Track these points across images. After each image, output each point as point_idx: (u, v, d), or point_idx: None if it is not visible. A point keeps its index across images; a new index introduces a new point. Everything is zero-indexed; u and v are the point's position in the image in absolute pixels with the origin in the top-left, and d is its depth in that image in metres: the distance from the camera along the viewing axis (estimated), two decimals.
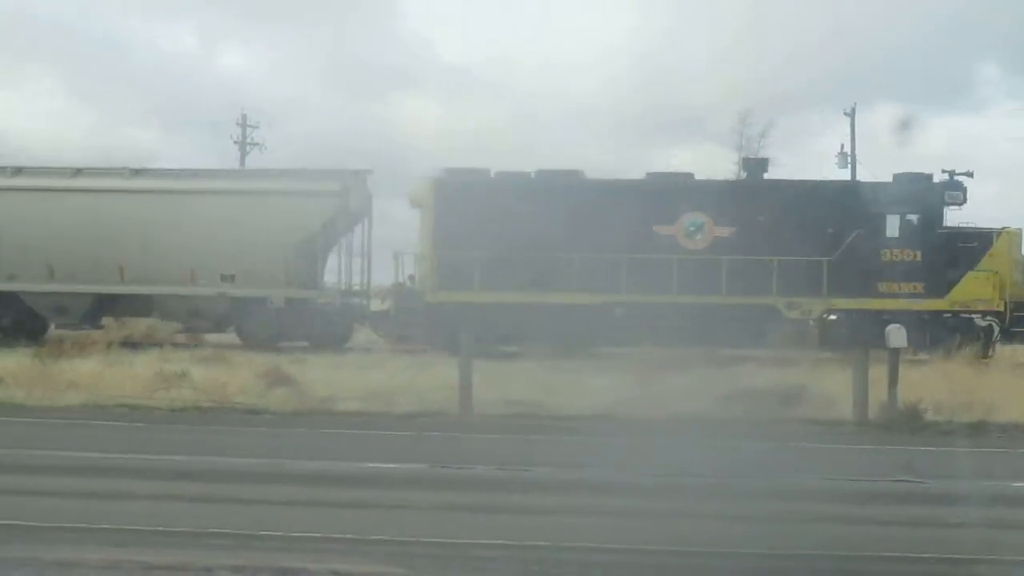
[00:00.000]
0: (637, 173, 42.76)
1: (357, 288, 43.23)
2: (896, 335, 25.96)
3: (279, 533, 13.47)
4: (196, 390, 26.97)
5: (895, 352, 25.17)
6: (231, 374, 29.38)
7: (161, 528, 13.71)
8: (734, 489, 16.39)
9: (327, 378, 28.64)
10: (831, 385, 25.55)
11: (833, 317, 40.40)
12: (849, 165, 66.72)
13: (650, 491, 16.14)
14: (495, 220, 39.74)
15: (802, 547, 13.13)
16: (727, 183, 41.81)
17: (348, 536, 13.41)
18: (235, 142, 77.31)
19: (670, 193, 41.02)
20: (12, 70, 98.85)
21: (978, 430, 22.92)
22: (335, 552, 12.62)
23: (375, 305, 44.15)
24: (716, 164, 70.13)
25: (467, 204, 40.89)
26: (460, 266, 40.37)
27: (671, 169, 42.92)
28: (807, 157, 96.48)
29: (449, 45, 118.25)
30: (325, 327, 40.46)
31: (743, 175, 42.33)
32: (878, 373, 24.55)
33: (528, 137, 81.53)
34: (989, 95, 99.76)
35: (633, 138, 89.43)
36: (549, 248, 39.88)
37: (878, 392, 24.21)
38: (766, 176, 41.81)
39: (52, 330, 43.54)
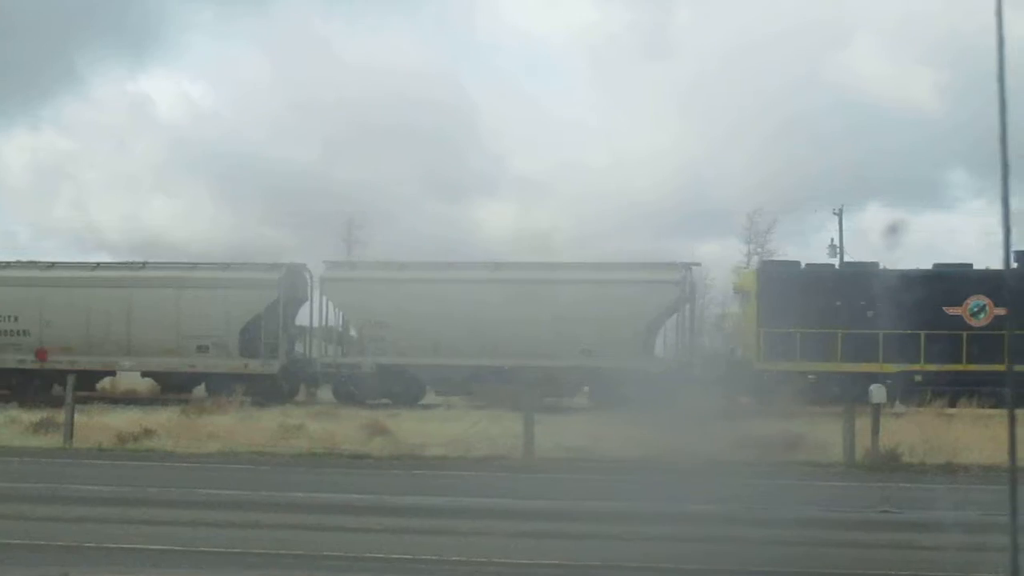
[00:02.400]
0: (919, 264, 42.92)
1: (683, 358, 42.35)
2: (877, 393, 26.01)
3: (380, 555, 13.54)
4: (311, 439, 27.06)
5: (876, 407, 25.16)
6: (338, 426, 29.41)
7: (283, 552, 13.80)
8: (742, 518, 16.37)
9: (417, 429, 28.65)
10: (825, 434, 25.44)
11: None
12: (838, 256, 66.62)
13: (674, 519, 16.13)
14: (807, 302, 40.13)
15: (800, 566, 13.13)
16: (1003, 271, 41.67)
17: (432, 558, 13.47)
18: (344, 240, 77.10)
19: (956, 280, 41.17)
20: (174, 183, 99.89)
21: (946, 469, 22.79)
22: (425, 572, 12.68)
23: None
24: (730, 255, 69.86)
25: (783, 289, 40.88)
26: (781, 340, 40.34)
27: (953, 260, 42.77)
28: (807, 249, 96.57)
29: (520, 158, 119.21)
30: (659, 391, 39.75)
31: (1015, 264, 42.16)
32: (863, 423, 24.51)
33: (589, 229, 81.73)
34: (959, 195, 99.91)
35: (672, 230, 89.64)
36: (854, 326, 40.26)
37: (863, 439, 24.15)
38: None
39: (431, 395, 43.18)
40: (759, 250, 71.38)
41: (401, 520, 16.97)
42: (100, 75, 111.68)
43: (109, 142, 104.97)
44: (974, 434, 25.94)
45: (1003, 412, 5.81)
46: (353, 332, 43.85)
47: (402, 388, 41.33)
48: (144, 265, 44.61)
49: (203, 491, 19.94)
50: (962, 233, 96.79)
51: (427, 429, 28.78)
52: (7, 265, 44.55)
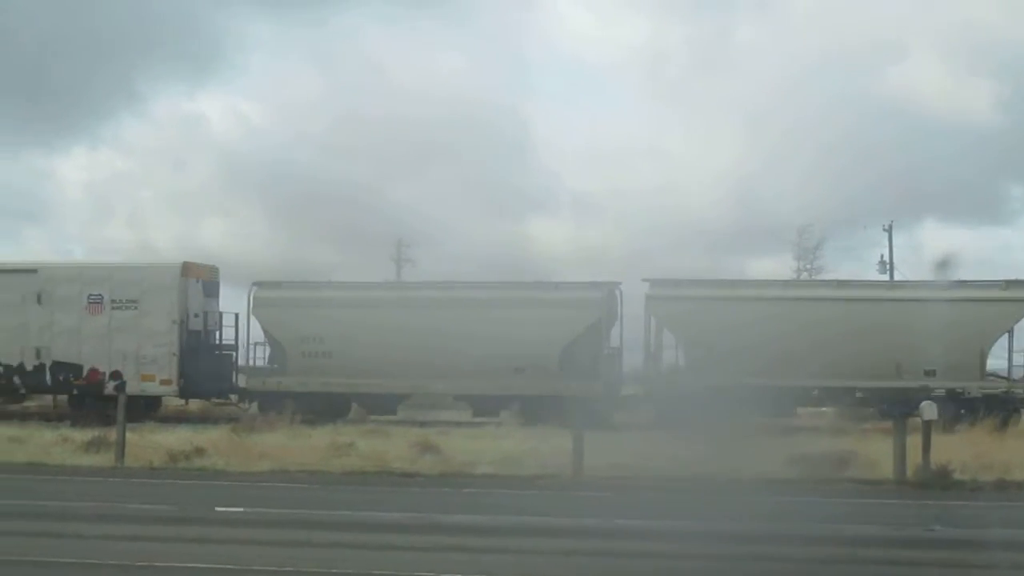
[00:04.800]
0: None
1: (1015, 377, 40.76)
2: (928, 409, 25.82)
3: (430, 574, 13.57)
4: (362, 458, 27.11)
5: (927, 423, 25.01)
6: (389, 444, 29.43)
7: (334, 571, 13.86)
8: (790, 536, 16.33)
9: (466, 447, 28.63)
10: (875, 451, 25.35)
11: None
12: (888, 272, 66.55)
13: (721, 538, 16.08)
14: None
15: None
16: None
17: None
18: (392, 260, 77.20)
19: None
20: (227, 200, 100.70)
21: (997, 487, 22.66)
22: None
23: None
24: (784, 272, 69.47)
25: None
26: None
27: None
28: (861, 264, 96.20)
29: (572, 177, 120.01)
30: (987, 408, 38.22)
31: None
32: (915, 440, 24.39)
33: (640, 246, 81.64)
34: (1017, 209, 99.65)
35: (724, 246, 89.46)
36: None
37: (914, 456, 24.02)
38: None
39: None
40: (808, 267, 71.25)
41: (450, 538, 17.00)
42: (159, 94, 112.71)
43: (165, 160, 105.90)
44: None
45: None
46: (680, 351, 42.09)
47: (733, 408, 39.40)
48: (454, 284, 43.46)
49: (254, 510, 20.01)
50: (1019, 249, 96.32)
51: (477, 447, 28.75)
52: (306, 285, 44.05)
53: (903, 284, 41.24)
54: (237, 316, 43.56)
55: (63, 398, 43.51)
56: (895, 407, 37.49)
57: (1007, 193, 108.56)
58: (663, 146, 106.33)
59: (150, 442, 29.11)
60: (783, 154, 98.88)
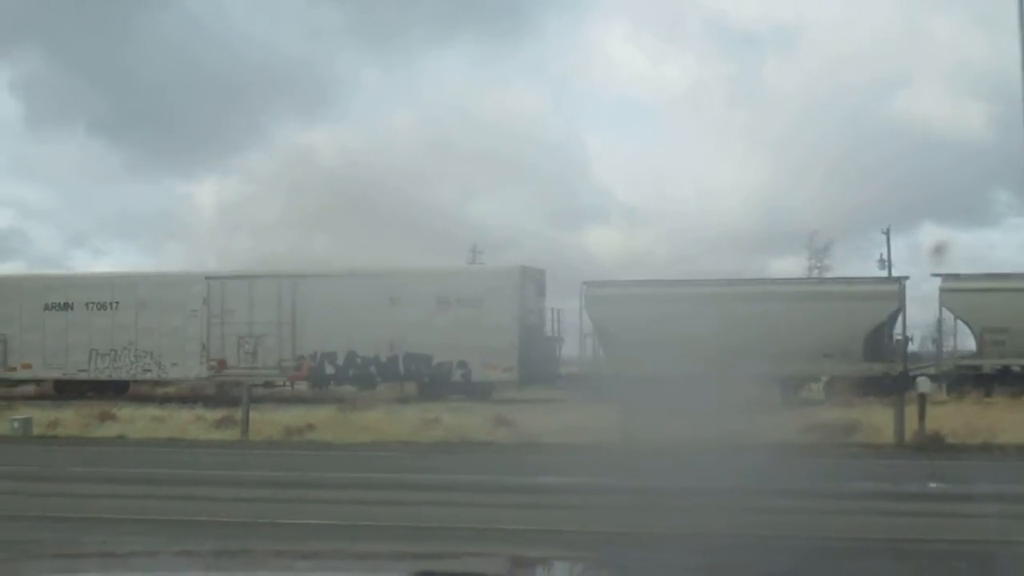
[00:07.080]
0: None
1: None
2: (923, 384, 25.62)
3: (504, 527, 13.47)
4: (446, 430, 27.03)
5: (923, 395, 24.76)
6: (469, 419, 29.28)
7: (422, 525, 13.77)
8: (813, 491, 16.10)
9: (535, 420, 28.36)
10: (878, 419, 25.02)
11: None
12: (887, 270, 65.97)
13: (747, 494, 15.83)
14: None
15: (860, 533, 12.86)
16: None
17: (551, 528, 13.39)
18: (467, 264, 77.26)
19: None
20: (333, 218, 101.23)
21: (983, 449, 22.30)
22: (541, 540, 12.57)
23: None
24: (798, 271, 68.97)
25: None
26: None
27: None
28: (867, 263, 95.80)
29: (625, 191, 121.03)
30: None
31: None
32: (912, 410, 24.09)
33: (680, 249, 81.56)
34: (1002, 212, 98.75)
35: (752, 249, 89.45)
36: None
37: (912, 424, 23.72)
38: None
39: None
40: (818, 266, 70.61)
41: (522, 496, 16.94)
42: (279, 129, 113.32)
43: (282, 184, 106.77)
44: (1009, 419, 25.37)
45: None
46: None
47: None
48: (768, 281, 42.19)
49: (356, 475, 19.99)
50: (1004, 247, 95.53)
51: (544, 420, 28.48)
52: (631, 283, 41.94)
53: None
54: (559, 312, 43.04)
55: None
56: None
57: (995, 199, 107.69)
58: (699, 165, 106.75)
59: (269, 419, 29.07)
60: (800, 169, 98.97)
